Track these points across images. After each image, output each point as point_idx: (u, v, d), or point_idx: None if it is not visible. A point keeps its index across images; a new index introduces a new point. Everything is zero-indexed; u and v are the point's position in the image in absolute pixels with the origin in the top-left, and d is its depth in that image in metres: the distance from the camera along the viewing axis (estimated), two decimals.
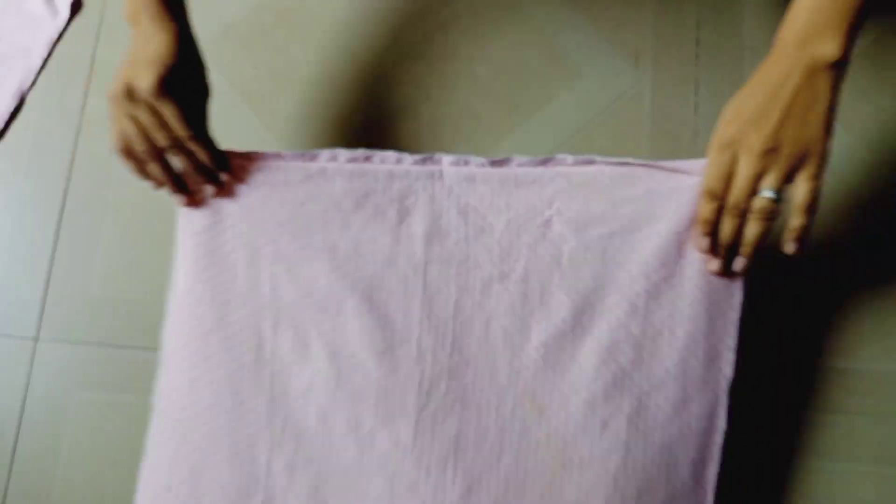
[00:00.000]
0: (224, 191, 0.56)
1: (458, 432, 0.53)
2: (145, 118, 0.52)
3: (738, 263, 0.51)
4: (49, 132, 0.71)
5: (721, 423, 0.53)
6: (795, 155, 0.47)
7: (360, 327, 0.55)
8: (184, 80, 0.54)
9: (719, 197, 0.50)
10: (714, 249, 0.51)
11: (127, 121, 0.53)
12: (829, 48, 0.46)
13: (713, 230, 0.51)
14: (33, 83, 0.72)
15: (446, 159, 0.57)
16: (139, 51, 0.53)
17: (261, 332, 0.55)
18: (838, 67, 0.47)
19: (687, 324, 0.53)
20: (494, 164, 0.56)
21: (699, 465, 0.53)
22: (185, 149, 0.54)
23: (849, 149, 0.66)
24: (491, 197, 0.56)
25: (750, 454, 0.60)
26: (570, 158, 0.56)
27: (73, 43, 0.74)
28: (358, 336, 0.55)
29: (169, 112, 0.52)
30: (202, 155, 0.54)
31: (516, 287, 0.55)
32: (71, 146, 0.71)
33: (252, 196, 0.57)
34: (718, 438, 0.53)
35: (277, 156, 0.57)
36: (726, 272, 0.51)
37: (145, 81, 0.51)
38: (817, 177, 0.48)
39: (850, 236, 0.65)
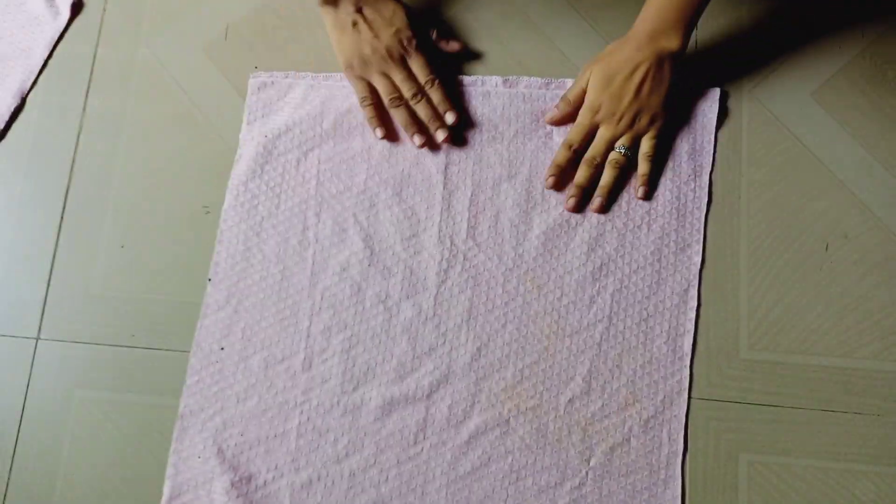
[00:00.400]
0: (281, 105, 0.68)
1: (470, 304, 0.63)
2: (398, 72, 0.65)
3: (597, 204, 0.64)
4: (50, 132, 0.71)
5: (693, 302, 0.63)
6: (644, 123, 0.63)
7: (391, 216, 0.65)
8: (418, 33, 0.66)
9: (575, 150, 0.64)
10: (559, 187, 0.65)
11: (379, 77, 0.65)
12: (673, 43, 0.61)
13: (560, 173, 0.64)
14: (34, 83, 0.72)
15: (466, 79, 0.69)
16: (377, 15, 0.64)
17: (306, 220, 0.66)
18: (678, 57, 0.62)
19: (660, 219, 0.65)
20: (506, 83, 0.68)
21: (674, 336, 0.63)
22: (427, 95, 0.66)
23: (848, 148, 0.67)
24: (502, 110, 0.67)
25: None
26: (568, 83, 0.68)
27: (74, 43, 0.74)
28: (388, 223, 0.65)
29: (418, 63, 0.66)
30: (438, 96, 0.66)
31: (522, 185, 0.66)
32: (72, 146, 0.71)
33: (303, 109, 0.68)
34: (691, 315, 0.63)
35: (329, 76, 0.70)
36: (580, 209, 0.65)
37: (405, 40, 0.65)
38: (658, 136, 0.64)
39: (849, 234, 0.65)
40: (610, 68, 0.62)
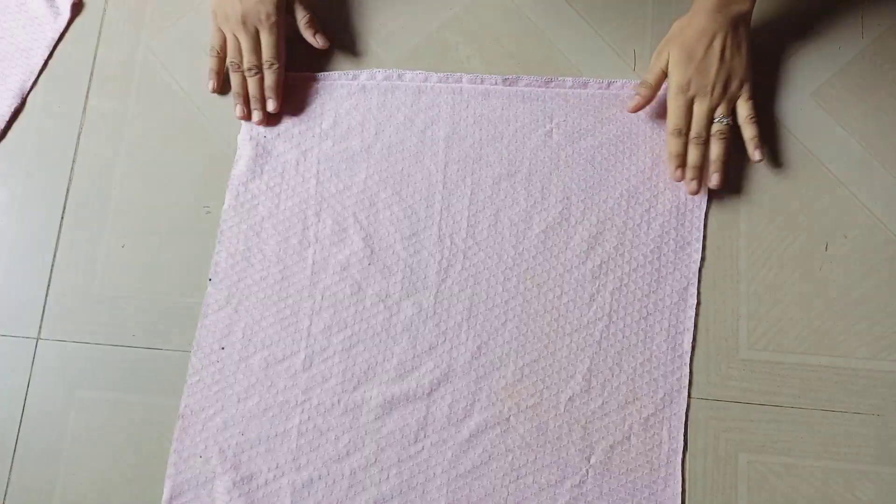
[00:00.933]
0: (281, 106, 0.69)
1: (470, 303, 0.64)
2: (246, 41, 0.67)
3: (716, 179, 0.63)
4: (51, 132, 0.71)
5: (692, 300, 0.64)
6: (735, 88, 0.63)
7: (391, 215, 0.66)
8: (283, 14, 0.68)
9: (685, 133, 0.63)
10: (684, 175, 0.64)
11: (231, 36, 0.68)
12: (744, 7, 0.62)
13: (683, 162, 0.64)
14: (34, 83, 0.72)
15: (465, 77, 0.69)
16: None
17: (306, 219, 0.66)
18: (749, 16, 0.63)
19: (660, 217, 0.65)
20: (506, 81, 0.68)
21: (674, 333, 0.63)
22: (261, 74, 0.68)
23: (848, 148, 0.67)
24: (501, 110, 0.68)
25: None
26: (569, 81, 0.68)
27: (74, 43, 0.74)
28: (388, 223, 0.66)
29: (267, 41, 0.67)
30: (271, 80, 0.68)
31: (521, 184, 0.66)
32: (72, 146, 0.71)
33: (303, 109, 0.69)
34: (691, 312, 0.63)
35: (327, 74, 0.70)
36: (698, 188, 0.64)
37: (263, 13, 0.66)
38: (752, 97, 0.64)
39: (849, 234, 0.65)
40: (688, 44, 0.62)
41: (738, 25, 0.62)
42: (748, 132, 0.64)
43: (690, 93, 0.63)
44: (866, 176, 0.66)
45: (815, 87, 0.69)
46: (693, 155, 0.63)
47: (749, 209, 0.66)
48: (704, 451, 0.61)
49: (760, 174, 0.67)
